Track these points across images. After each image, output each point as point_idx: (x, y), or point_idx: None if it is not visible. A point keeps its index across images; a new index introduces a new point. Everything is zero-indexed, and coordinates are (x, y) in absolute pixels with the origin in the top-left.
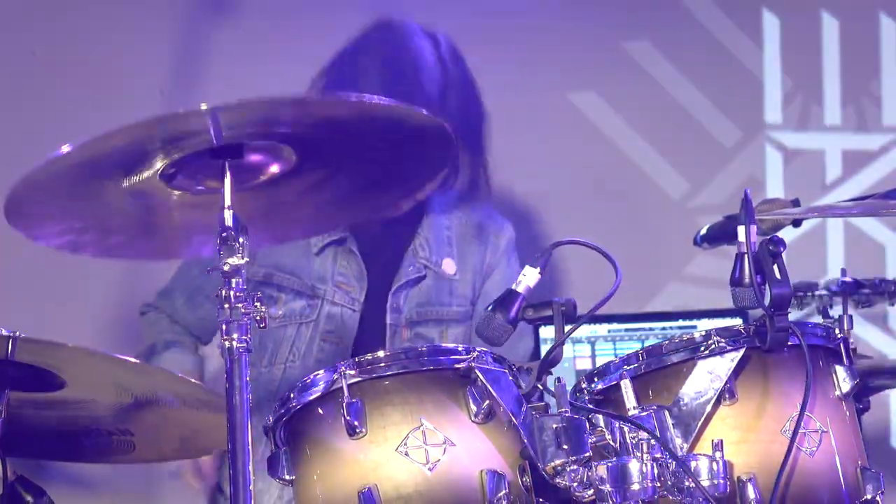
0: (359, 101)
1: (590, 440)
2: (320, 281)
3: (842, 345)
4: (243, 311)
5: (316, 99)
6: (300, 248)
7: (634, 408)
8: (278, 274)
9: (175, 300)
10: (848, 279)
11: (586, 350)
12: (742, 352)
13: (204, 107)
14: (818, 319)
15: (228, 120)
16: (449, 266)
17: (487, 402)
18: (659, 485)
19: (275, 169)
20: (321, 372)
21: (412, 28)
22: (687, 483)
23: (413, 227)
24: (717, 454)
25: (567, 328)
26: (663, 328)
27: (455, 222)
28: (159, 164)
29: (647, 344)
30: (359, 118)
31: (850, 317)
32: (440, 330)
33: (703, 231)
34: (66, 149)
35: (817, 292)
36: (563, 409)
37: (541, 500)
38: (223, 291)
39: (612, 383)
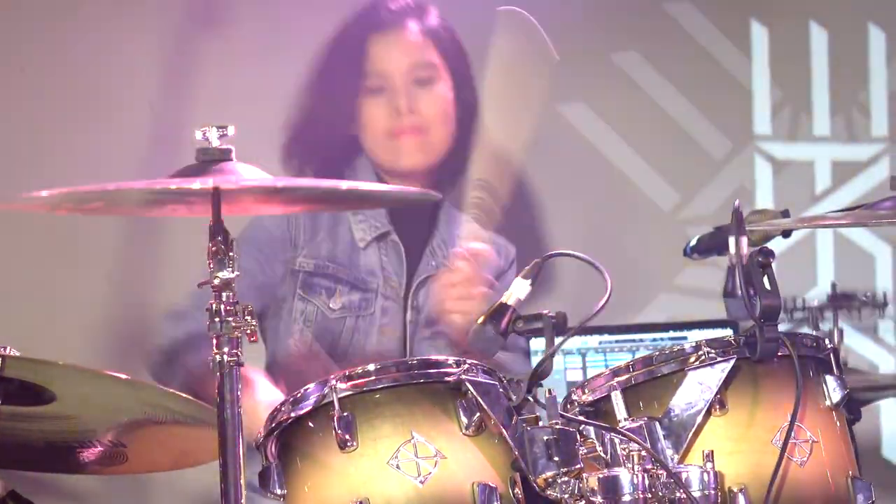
0: (350, 189)
1: (581, 452)
2: (370, 275)
3: (831, 355)
4: (234, 324)
5: (308, 187)
6: (346, 242)
7: (625, 419)
8: (333, 266)
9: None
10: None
11: (577, 362)
12: (732, 362)
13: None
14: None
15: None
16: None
17: (478, 414)
18: (650, 496)
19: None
20: (311, 386)
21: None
22: (678, 494)
23: (430, 227)
24: (708, 465)
25: (557, 340)
26: (654, 339)
27: (465, 233)
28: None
29: (637, 355)
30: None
31: (841, 330)
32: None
33: (693, 242)
34: (44, 193)
35: (807, 306)
36: (553, 421)
37: None
38: (213, 305)
39: (603, 395)
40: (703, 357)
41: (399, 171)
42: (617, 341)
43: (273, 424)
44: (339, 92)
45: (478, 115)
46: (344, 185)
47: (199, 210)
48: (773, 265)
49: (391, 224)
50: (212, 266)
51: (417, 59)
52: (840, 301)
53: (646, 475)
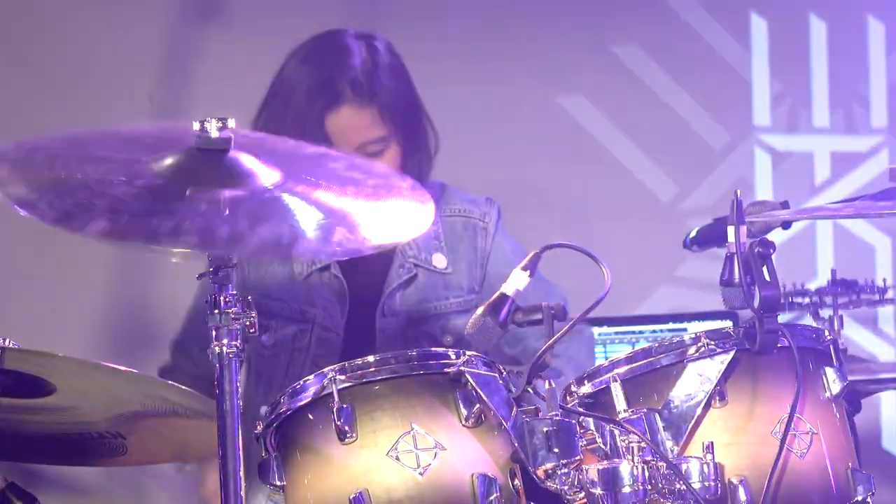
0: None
1: (580, 443)
2: (309, 304)
3: (831, 346)
4: (233, 316)
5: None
6: (286, 275)
7: (625, 411)
8: (266, 301)
9: (191, 352)
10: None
11: None
12: (732, 354)
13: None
14: (809, 321)
15: None
16: (439, 260)
17: (478, 406)
18: (650, 487)
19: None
20: (311, 377)
21: (342, 31)
22: (678, 485)
23: None
24: (708, 456)
25: (557, 332)
26: (653, 331)
27: (441, 214)
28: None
29: (637, 347)
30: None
31: (841, 317)
32: (441, 325)
33: (693, 234)
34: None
35: (807, 298)
36: (553, 413)
37: (532, 503)
38: (213, 297)
39: (603, 386)
40: (703, 348)
41: None
42: (616, 333)
43: (273, 416)
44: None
45: (429, 150)
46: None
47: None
48: (773, 256)
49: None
50: (210, 258)
51: (369, 137)
52: (840, 288)
53: (645, 467)
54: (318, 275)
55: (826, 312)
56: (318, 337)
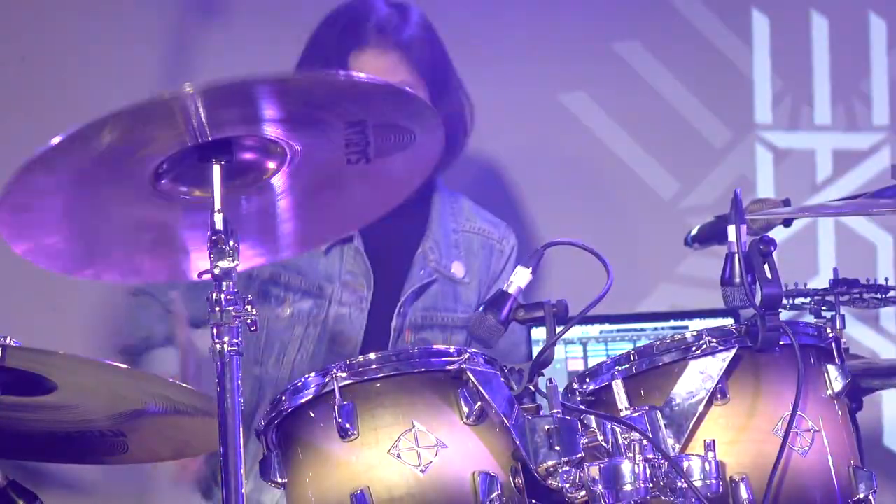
0: (347, 79)
1: (582, 441)
2: (327, 280)
3: (833, 344)
4: (234, 314)
5: (298, 76)
6: None
7: (626, 408)
8: (285, 273)
9: (170, 292)
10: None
11: (578, 351)
12: (734, 352)
13: (189, 89)
14: (810, 319)
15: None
16: (458, 269)
17: (479, 403)
18: (651, 485)
19: (271, 166)
20: (312, 375)
21: None
22: (679, 483)
23: (421, 227)
24: (710, 454)
25: (559, 329)
26: (655, 329)
27: (462, 227)
28: (147, 167)
29: (638, 344)
30: (348, 97)
31: (843, 316)
32: (445, 336)
33: (694, 231)
34: (55, 140)
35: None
36: (554, 411)
37: (533, 501)
38: (214, 294)
39: (604, 384)
40: (705, 346)
41: None
42: (618, 330)
43: (274, 413)
44: None
45: (463, 116)
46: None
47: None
48: (774, 254)
49: (357, 230)
50: (212, 256)
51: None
52: (842, 287)
53: (647, 464)
54: (339, 248)
55: (828, 313)
56: (336, 314)
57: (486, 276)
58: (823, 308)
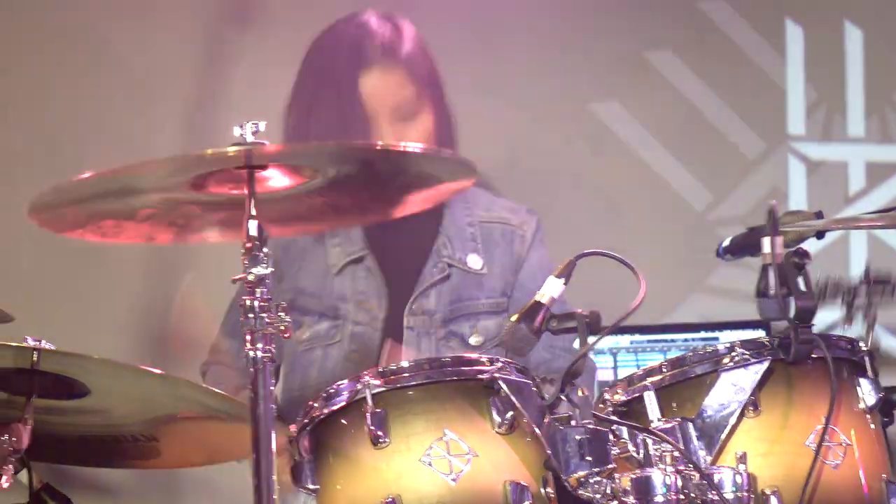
0: (384, 149)
1: (613, 452)
2: (342, 300)
3: (866, 358)
4: (267, 320)
5: (342, 148)
6: (320, 269)
7: (658, 419)
8: (301, 297)
9: (231, 348)
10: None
11: (608, 361)
12: (766, 364)
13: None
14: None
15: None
16: (475, 261)
17: (511, 412)
18: (683, 497)
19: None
20: (345, 382)
21: (367, 10)
22: (711, 495)
23: (434, 227)
24: (741, 466)
25: (591, 339)
26: (685, 339)
27: (477, 220)
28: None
29: (669, 355)
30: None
31: (875, 315)
32: (471, 324)
33: (726, 243)
34: (86, 175)
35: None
36: (586, 421)
37: None
38: (247, 301)
39: (636, 395)
40: (737, 358)
41: None
42: (648, 341)
43: (306, 420)
44: (332, 126)
45: (451, 126)
46: (378, 144)
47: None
48: (808, 267)
49: (368, 248)
50: (246, 262)
51: (400, 99)
52: (874, 285)
53: (678, 476)
54: (352, 268)
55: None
56: (352, 333)
57: (509, 261)
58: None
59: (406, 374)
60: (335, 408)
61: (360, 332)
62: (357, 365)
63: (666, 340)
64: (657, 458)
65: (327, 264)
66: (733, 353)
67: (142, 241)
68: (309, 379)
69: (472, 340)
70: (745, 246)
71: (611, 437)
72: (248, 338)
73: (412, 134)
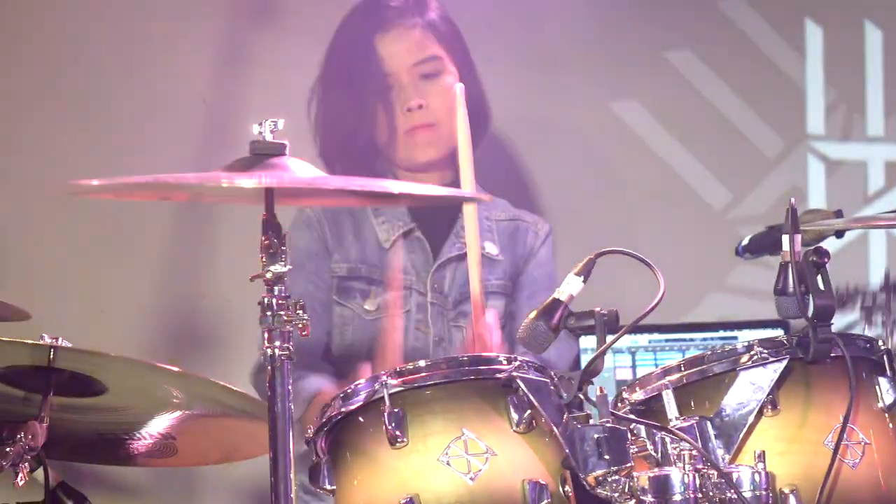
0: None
1: (631, 450)
2: (402, 272)
3: (885, 357)
4: (286, 318)
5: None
6: (373, 244)
7: (676, 418)
8: (365, 267)
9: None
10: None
11: (627, 360)
12: (785, 363)
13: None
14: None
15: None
16: (491, 248)
17: (529, 411)
18: (701, 496)
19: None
20: (362, 381)
21: None
22: (729, 494)
23: (455, 211)
24: (760, 465)
25: (609, 338)
26: (703, 339)
27: (495, 216)
28: None
29: (687, 354)
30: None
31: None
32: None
33: (746, 241)
34: (95, 182)
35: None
36: (604, 419)
37: None
38: (265, 299)
39: (654, 393)
40: (756, 357)
41: (415, 166)
42: (667, 340)
43: (324, 420)
44: (352, 96)
45: (484, 103)
46: (396, 188)
47: (250, 201)
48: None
49: (413, 221)
50: (264, 260)
51: (422, 56)
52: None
53: (696, 475)
54: (402, 241)
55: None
56: (417, 302)
57: (522, 250)
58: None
59: (424, 374)
60: (353, 407)
61: (422, 302)
62: (423, 334)
63: (684, 339)
64: (675, 457)
65: (377, 240)
66: (752, 352)
67: (156, 199)
68: (375, 346)
69: None
70: (765, 245)
71: (629, 435)
72: (266, 335)
73: (436, 94)
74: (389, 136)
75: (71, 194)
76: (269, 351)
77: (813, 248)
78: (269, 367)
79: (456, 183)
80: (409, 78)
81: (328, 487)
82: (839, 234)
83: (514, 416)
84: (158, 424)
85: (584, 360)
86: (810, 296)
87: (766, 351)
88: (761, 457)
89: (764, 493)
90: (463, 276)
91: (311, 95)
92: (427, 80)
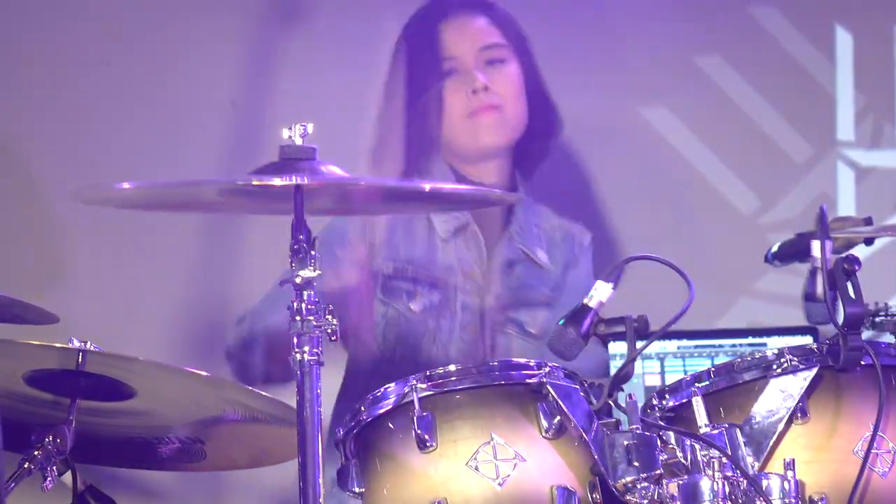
0: (433, 189)
1: (661, 457)
2: (449, 271)
3: None
4: (315, 323)
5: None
6: (426, 238)
7: (706, 425)
8: (411, 267)
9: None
10: None
11: (655, 366)
12: (815, 371)
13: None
14: (890, 339)
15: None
16: (542, 256)
17: (558, 417)
18: (730, 503)
19: None
20: (392, 385)
21: None
22: (758, 502)
23: (508, 215)
24: (789, 473)
25: (639, 344)
26: (733, 345)
27: (543, 222)
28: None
29: (716, 361)
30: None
31: None
32: (528, 312)
33: (775, 248)
34: (126, 185)
35: (891, 311)
36: (634, 426)
37: None
38: (294, 304)
39: (684, 400)
40: (786, 365)
41: (479, 151)
42: (696, 346)
43: (352, 423)
44: (415, 84)
45: (548, 99)
46: (427, 185)
47: (280, 209)
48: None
49: (470, 217)
50: (293, 264)
51: (487, 41)
52: None
53: (726, 482)
54: (457, 236)
55: None
56: (462, 304)
57: (570, 257)
58: None
59: (454, 378)
60: (382, 411)
61: (469, 303)
62: (470, 334)
63: (713, 346)
64: (705, 464)
65: (431, 234)
66: (782, 360)
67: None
68: (421, 347)
69: (532, 330)
70: (794, 251)
71: (658, 442)
72: (296, 340)
73: (501, 79)
74: (451, 120)
75: (98, 200)
76: (297, 356)
77: (843, 255)
78: (298, 373)
79: (514, 178)
80: (474, 62)
81: (356, 490)
82: (868, 241)
83: (544, 421)
84: (187, 429)
85: (613, 366)
86: (840, 303)
87: (796, 358)
88: (791, 465)
89: (793, 501)
90: (514, 280)
91: (382, 96)
92: (492, 66)
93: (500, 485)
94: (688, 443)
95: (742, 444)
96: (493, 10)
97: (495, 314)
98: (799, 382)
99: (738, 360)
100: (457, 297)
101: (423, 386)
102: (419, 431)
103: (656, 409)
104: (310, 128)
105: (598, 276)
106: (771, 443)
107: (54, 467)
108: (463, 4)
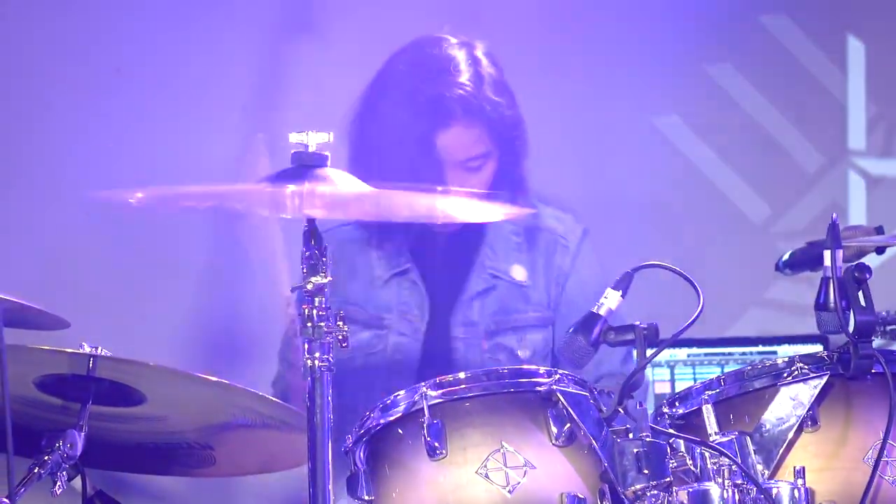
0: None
1: (670, 465)
2: (386, 311)
3: None
4: (326, 329)
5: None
6: (366, 279)
7: (716, 433)
8: (346, 307)
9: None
10: None
11: (665, 374)
12: (825, 379)
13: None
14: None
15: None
16: (518, 272)
17: (568, 425)
18: None
19: None
20: (402, 392)
21: (444, 38)
22: None
23: (478, 237)
24: (799, 481)
25: (649, 352)
26: (743, 353)
27: (522, 226)
28: None
29: (726, 369)
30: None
31: None
32: (518, 337)
33: (786, 257)
34: (138, 195)
35: None
36: (644, 434)
37: None
38: (306, 310)
39: (694, 408)
40: (797, 372)
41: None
42: (706, 354)
43: (362, 431)
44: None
45: (519, 176)
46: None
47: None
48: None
49: (412, 261)
50: (305, 271)
51: (472, 153)
52: None
53: (736, 490)
54: (397, 280)
55: None
56: (395, 343)
57: (554, 275)
58: None
59: (464, 386)
60: (392, 418)
61: (403, 344)
62: (398, 375)
63: (723, 354)
64: (715, 472)
65: (373, 276)
66: (793, 368)
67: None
68: (345, 388)
69: (521, 354)
70: (805, 260)
71: (668, 450)
72: (306, 346)
73: (473, 182)
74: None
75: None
76: (308, 362)
77: (855, 264)
78: (309, 379)
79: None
80: (453, 171)
81: (366, 498)
82: (880, 250)
83: (554, 429)
84: (197, 434)
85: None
86: (851, 312)
87: (806, 367)
88: (801, 473)
89: None
90: (494, 304)
91: (354, 125)
92: (469, 174)
93: (510, 492)
94: (698, 450)
95: (752, 452)
96: (489, 117)
97: (482, 342)
98: (809, 390)
99: (749, 367)
100: (388, 337)
101: (434, 393)
102: (429, 439)
103: (666, 416)
104: (329, 136)
105: (605, 268)
106: (781, 451)
107: (64, 472)
108: (465, 114)
